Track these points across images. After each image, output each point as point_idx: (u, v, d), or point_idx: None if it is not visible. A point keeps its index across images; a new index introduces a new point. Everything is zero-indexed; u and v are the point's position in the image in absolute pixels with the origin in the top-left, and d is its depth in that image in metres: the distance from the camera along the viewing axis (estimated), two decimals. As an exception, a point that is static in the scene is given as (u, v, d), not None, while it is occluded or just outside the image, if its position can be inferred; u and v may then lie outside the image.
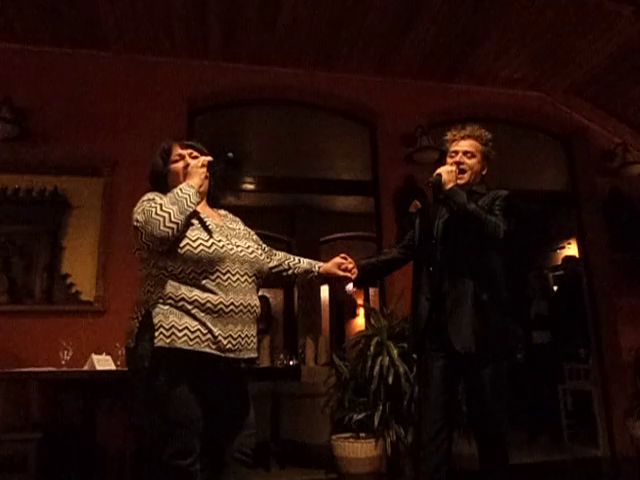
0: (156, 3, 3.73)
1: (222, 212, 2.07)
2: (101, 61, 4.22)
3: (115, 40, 4.11)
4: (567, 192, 5.28)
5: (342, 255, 2.27)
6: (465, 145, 2.43)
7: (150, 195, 1.85)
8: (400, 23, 4.01)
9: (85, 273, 3.82)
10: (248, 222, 2.15)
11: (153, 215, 1.72)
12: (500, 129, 5.06)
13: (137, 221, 1.75)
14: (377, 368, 3.52)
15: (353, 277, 2.27)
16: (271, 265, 2.11)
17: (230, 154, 1.98)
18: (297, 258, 2.20)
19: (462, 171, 2.39)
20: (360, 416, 3.57)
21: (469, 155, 2.41)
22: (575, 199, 5.20)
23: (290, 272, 2.16)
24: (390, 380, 3.46)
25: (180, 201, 1.77)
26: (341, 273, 2.22)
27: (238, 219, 2.12)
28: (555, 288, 6.77)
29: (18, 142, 3.88)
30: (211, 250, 1.78)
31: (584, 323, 5.01)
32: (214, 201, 2.07)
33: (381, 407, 3.50)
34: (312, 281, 2.23)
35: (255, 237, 2.10)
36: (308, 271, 2.18)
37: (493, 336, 2.25)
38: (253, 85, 4.56)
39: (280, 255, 2.18)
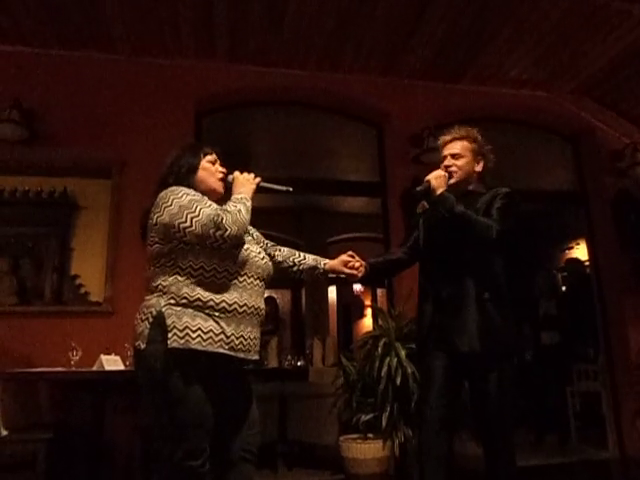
0: (163, 5, 3.74)
1: None
2: (109, 63, 4.24)
3: (123, 43, 4.13)
4: (575, 192, 5.26)
5: (349, 253, 2.28)
6: (450, 148, 2.47)
7: (196, 195, 1.84)
8: (407, 24, 4.00)
9: (94, 274, 3.85)
10: (255, 223, 2.16)
11: (239, 217, 1.80)
12: (508, 129, 5.07)
13: (221, 218, 1.75)
14: (385, 369, 3.51)
15: (359, 275, 2.27)
16: (275, 261, 2.13)
17: (291, 189, 2.10)
18: (302, 254, 2.22)
19: (451, 173, 2.43)
20: (368, 417, 3.57)
21: (457, 157, 2.44)
22: (583, 199, 5.17)
23: (295, 268, 2.18)
24: (398, 381, 3.45)
25: (248, 210, 1.87)
26: (347, 271, 2.24)
27: None
28: (563, 288, 6.74)
29: (27, 144, 3.90)
30: (237, 250, 1.83)
31: (593, 323, 4.99)
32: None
33: (389, 408, 3.49)
34: (318, 278, 2.24)
35: (256, 235, 2.12)
36: (314, 268, 2.20)
37: (497, 335, 2.25)
38: (260, 86, 4.57)
39: (285, 251, 2.20)
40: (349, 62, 4.50)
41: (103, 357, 3.19)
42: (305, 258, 2.20)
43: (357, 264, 2.27)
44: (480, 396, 2.29)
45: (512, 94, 4.94)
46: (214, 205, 1.83)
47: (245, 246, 1.88)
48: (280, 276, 2.17)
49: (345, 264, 2.24)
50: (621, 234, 4.80)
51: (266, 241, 2.17)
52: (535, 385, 5.42)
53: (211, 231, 1.74)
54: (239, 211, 1.82)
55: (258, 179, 2.01)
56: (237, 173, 2.00)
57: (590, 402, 5.04)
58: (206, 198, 1.86)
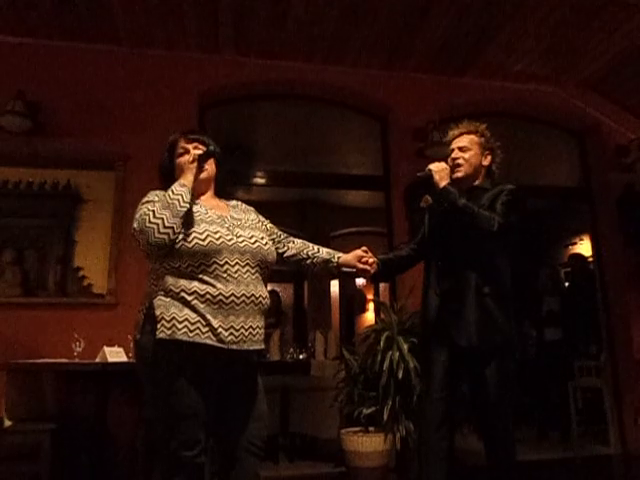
0: (168, -3, 3.73)
1: (232, 203, 2.06)
2: (113, 55, 4.24)
3: (127, 34, 4.13)
4: (580, 188, 5.24)
5: (363, 248, 2.27)
6: (458, 141, 2.51)
7: (150, 196, 1.87)
8: (412, 17, 3.98)
9: (97, 266, 3.86)
10: (259, 216, 2.16)
11: (147, 224, 1.73)
12: (513, 124, 5.05)
13: (133, 229, 1.78)
14: (387, 363, 3.51)
15: (372, 271, 2.27)
16: (289, 253, 2.12)
17: (211, 147, 1.97)
18: (316, 247, 2.19)
19: (458, 165, 2.46)
20: (369, 410, 3.58)
21: (464, 149, 2.48)
22: (588, 195, 5.15)
23: (309, 261, 2.15)
24: (400, 375, 3.46)
25: (172, 204, 1.76)
26: (361, 266, 2.22)
27: (251, 209, 2.11)
28: (567, 284, 6.72)
29: (31, 136, 3.91)
30: (205, 243, 1.77)
31: (596, 320, 4.98)
32: (221, 192, 2.07)
33: (390, 402, 3.50)
34: (330, 271, 2.21)
35: (269, 226, 2.10)
36: (327, 261, 2.17)
37: (496, 329, 2.25)
38: (264, 79, 4.56)
39: (298, 243, 2.17)
40: (353, 55, 4.49)
41: (106, 349, 3.21)
42: (319, 251, 2.17)
43: (371, 260, 2.26)
44: (480, 389, 2.29)
45: (517, 88, 4.91)
46: (146, 209, 1.79)
47: (217, 235, 1.80)
48: (283, 269, 2.15)
49: (359, 259, 2.22)
50: (625, 230, 4.79)
51: (279, 232, 2.14)
52: (537, 381, 5.42)
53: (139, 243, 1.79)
54: (149, 214, 1.75)
55: (191, 155, 1.90)
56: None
57: (592, 398, 5.03)
58: (155, 199, 1.83)
